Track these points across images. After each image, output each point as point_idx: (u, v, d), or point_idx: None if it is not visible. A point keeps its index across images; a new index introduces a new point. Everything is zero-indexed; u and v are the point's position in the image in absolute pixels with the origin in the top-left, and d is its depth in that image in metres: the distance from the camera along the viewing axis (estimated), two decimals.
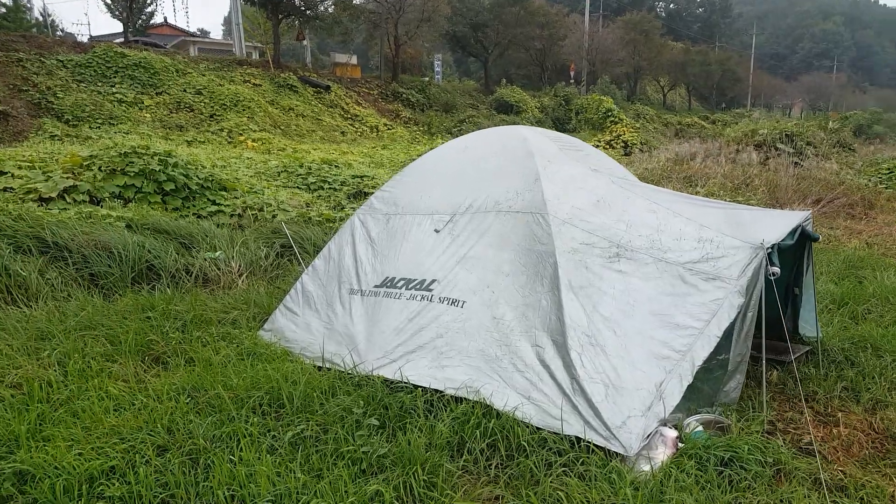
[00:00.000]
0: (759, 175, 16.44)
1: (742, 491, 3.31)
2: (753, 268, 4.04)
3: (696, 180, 16.26)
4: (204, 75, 26.62)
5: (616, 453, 3.50)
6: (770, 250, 4.09)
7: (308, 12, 34.02)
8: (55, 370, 4.48)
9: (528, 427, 3.73)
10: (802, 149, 20.02)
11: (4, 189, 8.42)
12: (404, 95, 35.18)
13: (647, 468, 3.45)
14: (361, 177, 13.54)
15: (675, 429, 3.77)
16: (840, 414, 4.26)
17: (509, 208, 4.81)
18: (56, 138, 18.02)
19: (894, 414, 4.26)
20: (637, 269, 4.26)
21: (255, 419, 3.86)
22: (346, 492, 3.20)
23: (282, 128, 25.31)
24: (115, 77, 23.96)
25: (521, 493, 3.30)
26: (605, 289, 4.20)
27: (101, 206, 8.48)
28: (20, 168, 9.34)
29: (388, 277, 5.09)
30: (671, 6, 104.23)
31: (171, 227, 7.94)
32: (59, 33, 44.33)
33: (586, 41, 50.70)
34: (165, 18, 53.21)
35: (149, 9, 40.90)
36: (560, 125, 36.84)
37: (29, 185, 8.51)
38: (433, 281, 4.80)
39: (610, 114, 36.63)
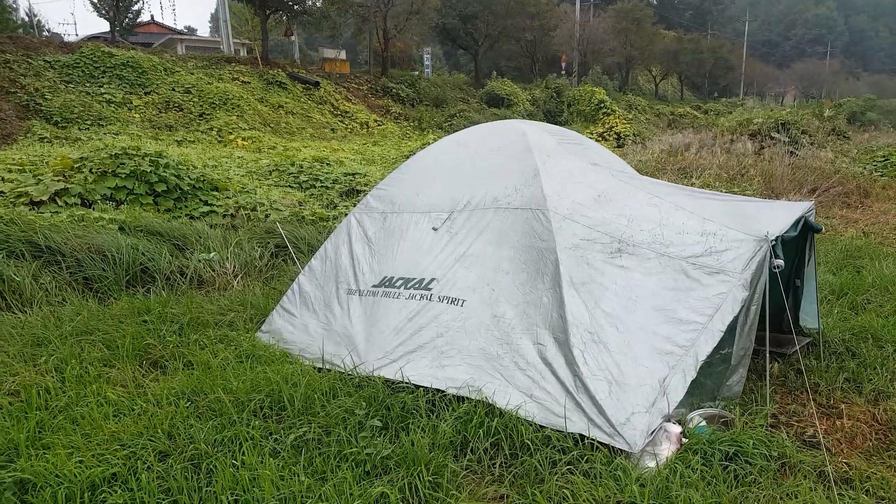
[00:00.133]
0: (755, 165, 16.44)
1: (748, 486, 3.29)
2: (757, 261, 4.02)
3: (690, 171, 16.25)
4: (192, 74, 26.44)
5: (620, 450, 3.49)
6: (774, 243, 4.07)
7: (296, 7, 33.83)
8: (53, 376, 4.43)
9: (531, 425, 3.71)
10: (797, 137, 20.03)
11: None
12: (394, 90, 35.03)
13: (651, 464, 3.43)
14: (353, 174, 13.48)
15: (679, 424, 3.76)
16: (843, 406, 4.26)
17: (508, 205, 4.78)
18: (45, 140, 17.84)
19: None
20: (639, 264, 4.24)
21: (257, 422, 3.83)
22: (350, 494, 3.17)
23: (271, 126, 25.17)
24: (102, 77, 23.75)
25: (526, 491, 3.28)
26: (606, 284, 4.17)
27: (93, 209, 8.41)
28: (10, 171, 9.28)
29: (386, 277, 5.05)
30: None
31: (164, 229, 7.88)
32: (45, 33, 43.95)
33: (577, 31, 50.56)
34: (152, 16, 52.94)
35: (135, 7, 40.52)
36: (552, 118, 36.74)
37: (19, 189, 8.43)
38: (432, 280, 4.77)
39: (602, 105, 36.51)
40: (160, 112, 23.27)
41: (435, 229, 5.06)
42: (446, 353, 4.37)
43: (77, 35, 44.78)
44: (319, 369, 4.66)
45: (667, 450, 3.52)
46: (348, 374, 4.50)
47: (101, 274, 6.67)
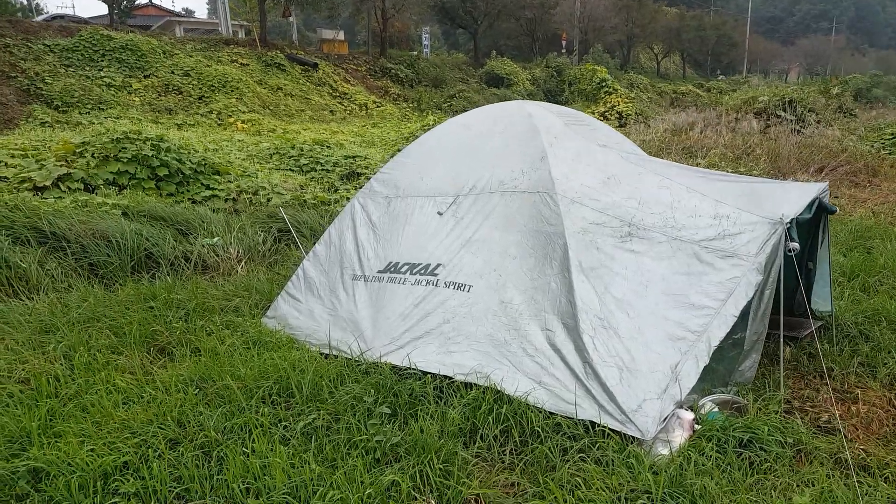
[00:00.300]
0: (761, 144, 16.30)
1: (763, 473, 3.27)
2: (772, 244, 3.97)
3: (695, 151, 16.13)
4: (191, 56, 26.27)
5: (633, 437, 3.46)
6: (789, 225, 4.01)
7: None
8: (61, 364, 4.41)
9: (540, 412, 3.69)
10: (803, 116, 19.85)
11: None
12: (393, 71, 34.77)
13: (665, 452, 3.41)
14: (354, 157, 13.42)
15: (691, 410, 3.74)
16: (858, 391, 4.23)
17: (515, 188, 4.72)
18: (47, 125, 17.79)
19: None
20: (650, 249, 4.18)
21: (266, 409, 3.81)
22: (361, 482, 3.16)
23: (271, 108, 25.04)
24: (102, 61, 23.64)
25: (537, 479, 3.26)
26: (616, 269, 4.13)
27: (96, 194, 8.37)
28: (13, 157, 9.21)
29: (391, 262, 5.01)
30: None
31: (167, 214, 7.84)
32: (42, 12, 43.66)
33: (578, 8, 50.01)
34: None
35: None
36: (552, 97, 36.49)
37: (23, 175, 8.38)
38: (438, 265, 4.72)
39: (604, 84, 36.23)
40: (160, 95, 23.16)
41: (440, 214, 5.01)
42: (453, 340, 4.34)
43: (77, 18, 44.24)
44: (326, 355, 4.64)
45: (680, 437, 3.50)
46: (355, 361, 4.47)
47: (106, 260, 6.64)
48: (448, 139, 5.65)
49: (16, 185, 8.17)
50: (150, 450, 3.42)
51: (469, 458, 3.41)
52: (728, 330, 3.83)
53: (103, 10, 33.79)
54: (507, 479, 3.31)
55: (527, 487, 3.23)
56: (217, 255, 7.22)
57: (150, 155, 9.10)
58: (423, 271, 4.73)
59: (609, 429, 3.51)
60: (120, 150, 9.07)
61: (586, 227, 4.32)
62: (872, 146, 17.38)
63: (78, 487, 3.11)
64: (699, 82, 54.40)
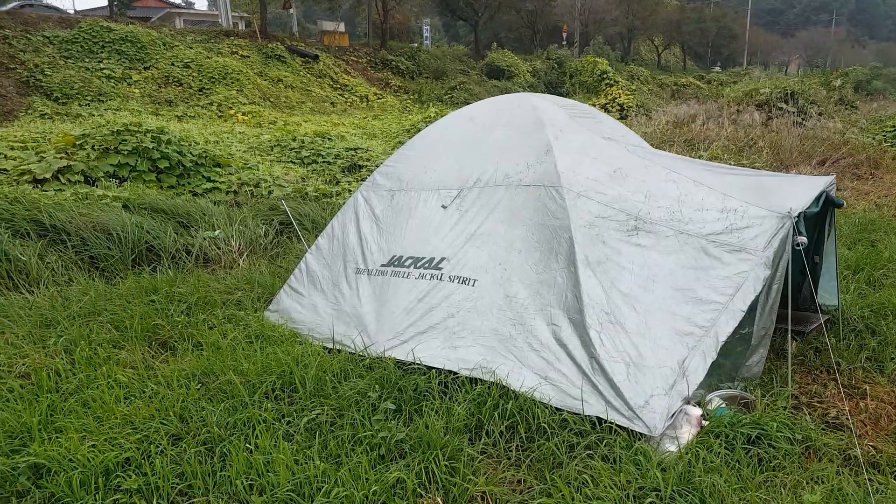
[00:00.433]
0: (763, 136, 16.23)
1: (772, 470, 3.23)
2: (780, 238, 3.92)
3: (697, 143, 16.06)
4: (191, 48, 26.14)
5: (640, 434, 3.42)
6: (796, 219, 3.97)
7: None
8: (62, 358, 4.38)
9: (547, 408, 3.65)
10: (805, 108, 19.78)
11: None
12: (393, 63, 34.62)
13: (672, 448, 3.37)
14: (355, 149, 13.36)
15: (698, 406, 3.70)
16: (866, 386, 4.19)
17: (520, 181, 4.67)
18: (46, 117, 17.70)
19: None
20: (657, 243, 4.14)
21: (269, 405, 3.77)
22: (366, 479, 3.12)
23: (271, 100, 24.93)
24: (102, 52, 23.50)
25: (544, 476, 3.22)
26: (623, 264, 4.08)
27: (97, 186, 8.32)
28: (12, 149, 9.17)
29: (394, 256, 4.96)
30: None
31: (167, 207, 7.80)
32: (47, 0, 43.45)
33: (578, 0, 49.85)
34: None
35: None
36: (553, 89, 36.35)
37: (22, 167, 8.34)
38: (442, 259, 4.68)
39: (605, 76, 36.10)
40: (160, 87, 23.04)
41: (444, 207, 4.96)
42: (458, 334, 4.30)
43: (76, 10, 44.18)
44: (329, 350, 4.60)
45: (687, 433, 3.46)
46: (359, 355, 4.43)
47: (107, 253, 6.60)
48: (452, 132, 5.59)
49: (15, 178, 8.13)
50: (152, 445, 3.38)
51: (475, 454, 3.38)
52: (736, 325, 3.78)
53: (103, 1, 33.59)
54: (513, 476, 3.27)
55: (533, 485, 3.20)
56: (218, 248, 7.18)
57: (150, 147, 9.05)
58: (427, 265, 4.69)
59: (616, 425, 3.47)
60: (120, 143, 9.02)
61: (592, 220, 4.28)
62: (874, 138, 17.31)
63: (79, 484, 3.07)
64: (700, 74, 54.19)
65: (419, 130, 12.04)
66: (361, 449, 3.36)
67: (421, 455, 3.28)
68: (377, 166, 6.03)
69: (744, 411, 3.75)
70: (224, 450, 3.36)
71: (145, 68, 23.86)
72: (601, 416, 3.54)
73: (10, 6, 31.38)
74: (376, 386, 3.94)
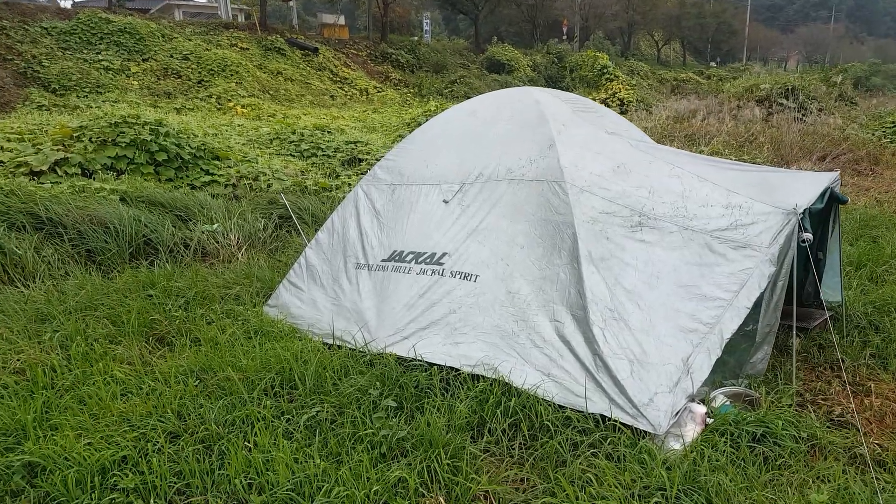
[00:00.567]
0: (763, 132, 16.19)
1: (778, 469, 3.19)
2: (786, 234, 3.87)
3: (698, 139, 16.02)
4: (190, 40, 26.01)
5: (644, 432, 3.38)
6: (802, 215, 3.92)
7: None
8: (58, 354, 4.32)
9: (550, 405, 3.60)
10: (805, 104, 19.72)
11: None
12: (393, 56, 34.51)
13: (677, 446, 3.33)
14: (355, 142, 13.29)
15: (702, 403, 3.66)
16: (871, 383, 4.15)
17: (522, 176, 4.62)
18: (44, 108, 17.60)
19: None
20: (661, 239, 4.09)
21: (268, 402, 3.73)
22: (367, 478, 3.07)
23: (270, 93, 24.83)
24: (100, 44, 23.40)
25: (548, 475, 3.18)
26: (627, 260, 4.03)
27: (94, 179, 8.26)
28: (9, 141, 9.10)
29: (395, 251, 4.91)
30: None
31: (165, 200, 7.73)
32: (42, 0, 43.29)
33: None
34: None
35: None
36: (553, 83, 36.21)
37: (19, 159, 8.27)
38: (444, 254, 4.63)
39: (605, 71, 35.94)
40: (158, 79, 22.95)
41: (446, 202, 4.90)
42: (460, 330, 4.25)
43: (74, 1, 43.96)
44: (329, 346, 4.55)
45: (692, 431, 3.42)
46: (359, 352, 4.39)
47: (104, 246, 6.54)
48: (453, 126, 5.53)
49: (12, 170, 8.07)
50: (149, 443, 3.34)
51: (477, 452, 3.33)
52: (741, 322, 3.74)
53: None
54: (516, 474, 3.23)
55: (537, 483, 3.15)
56: (217, 242, 7.12)
57: (148, 139, 8.99)
58: (428, 260, 4.64)
59: (620, 423, 3.43)
60: (118, 135, 8.95)
61: (596, 216, 4.22)
62: (873, 134, 17.26)
63: (75, 482, 3.02)
64: (699, 70, 54.08)
65: (419, 124, 11.96)
66: (362, 447, 3.31)
67: (423, 453, 3.24)
68: (377, 160, 5.98)
69: (748, 409, 3.71)
70: (223, 448, 3.32)
71: (144, 60, 23.75)
72: (605, 413, 3.50)
73: None
74: (377, 383, 3.89)
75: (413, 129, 7.14)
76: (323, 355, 4.25)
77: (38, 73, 20.23)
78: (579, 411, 3.55)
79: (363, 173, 9.24)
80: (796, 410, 3.73)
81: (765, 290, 3.82)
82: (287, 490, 3.01)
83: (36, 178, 8.02)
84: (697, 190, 4.31)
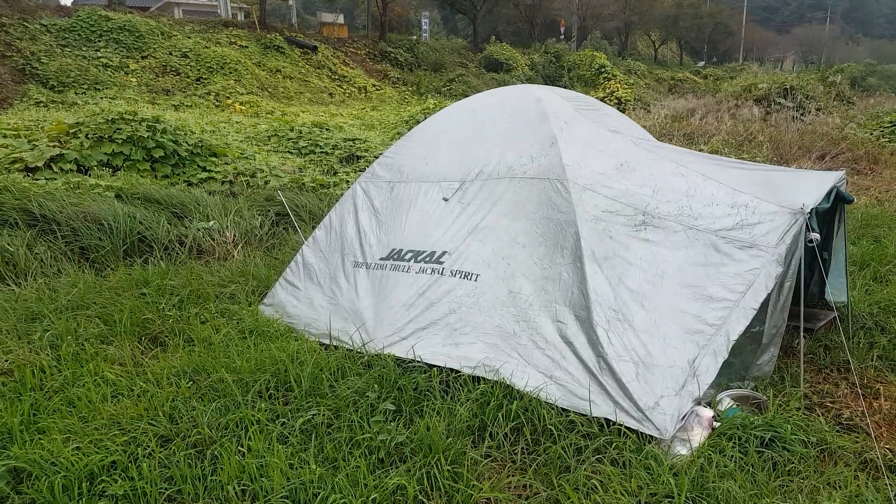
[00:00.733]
0: (762, 131, 16.13)
1: (788, 475, 3.10)
2: (793, 234, 3.78)
3: (697, 137, 15.93)
4: (189, 38, 25.90)
5: (650, 436, 3.29)
6: (809, 215, 3.83)
7: None
8: (47, 354, 4.22)
9: (553, 409, 3.51)
10: (803, 103, 19.68)
11: None
12: (392, 55, 34.42)
13: (684, 451, 3.24)
14: (353, 140, 13.19)
15: (709, 406, 3.57)
16: (879, 385, 4.06)
17: (524, 174, 4.52)
18: (41, 105, 17.49)
19: None
20: (665, 238, 3.99)
21: (263, 405, 3.62)
22: (365, 485, 2.98)
23: (269, 90, 24.72)
24: (99, 41, 23.32)
25: (551, 481, 3.09)
26: (631, 259, 3.94)
27: (90, 175, 8.15)
28: (5, 137, 8.99)
29: (394, 249, 4.81)
30: None
31: (161, 197, 7.63)
32: None
33: None
34: None
35: None
36: (551, 82, 36.08)
37: (14, 155, 8.15)
38: (443, 253, 4.53)
39: (603, 70, 35.95)
40: (157, 76, 22.85)
41: (446, 199, 4.81)
42: (460, 331, 4.16)
43: None
44: (326, 346, 4.45)
45: (699, 435, 3.33)
46: (357, 352, 4.28)
47: (98, 244, 6.44)
48: (453, 123, 5.44)
49: (6, 166, 7.95)
50: (139, 448, 3.23)
51: (479, 458, 3.23)
52: (747, 323, 3.65)
53: None
54: (519, 480, 3.13)
55: (540, 490, 3.06)
56: (213, 240, 7.03)
57: (145, 136, 8.89)
58: (427, 259, 4.54)
59: (625, 427, 3.34)
60: (115, 131, 8.85)
61: (599, 215, 4.13)
62: (871, 134, 17.21)
63: (62, 489, 2.93)
64: (696, 69, 54.07)
65: (418, 122, 11.83)
66: (360, 452, 3.21)
67: (422, 459, 3.14)
68: (376, 157, 5.88)
69: (755, 412, 3.62)
70: (215, 452, 3.21)
71: (143, 57, 23.66)
72: (610, 417, 3.40)
73: None
74: (375, 385, 3.79)
75: (411, 127, 7.05)
76: (319, 356, 4.15)
77: (36, 70, 20.13)
78: (583, 415, 3.46)
79: (361, 170, 9.14)
80: (804, 414, 3.64)
81: (772, 291, 3.73)
82: (281, 497, 2.91)
83: (31, 175, 7.91)
84: (702, 189, 4.22)
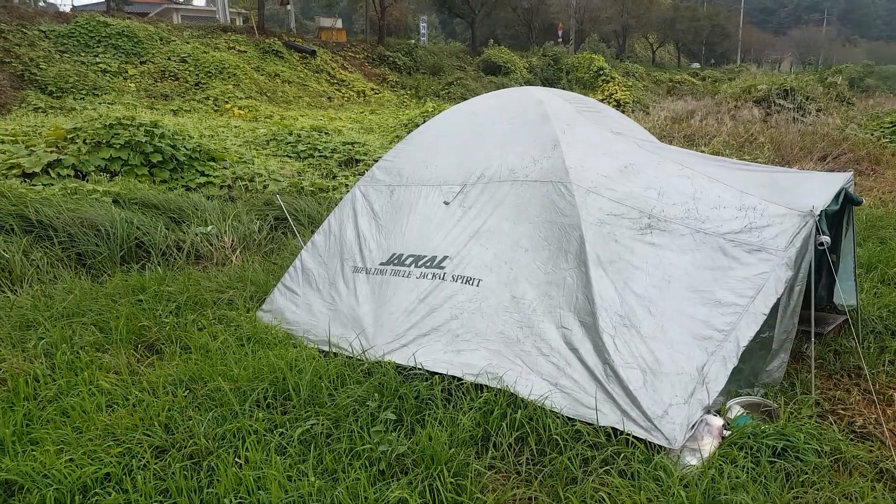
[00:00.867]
0: (763, 132, 16.06)
1: (801, 486, 3.00)
2: (803, 237, 3.70)
3: (697, 139, 15.87)
4: (188, 43, 25.89)
5: (659, 446, 3.20)
6: (819, 217, 3.75)
7: None
8: (42, 363, 4.13)
9: (558, 418, 3.42)
10: (803, 104, 19.62)
11: None
12: (391, 59, 34.43)
13: (694, 461, 3.15)
14: (352, 143, 13.12)
15: (718, 414, 3.48)
16: (893, 392, 3.97)
17: (526, 177, 4.44)
18: (40, 110, 17.48)
19: None
20: (672, 242, 3.91)
21: (260, 414, 3.53)
22: (365, 498, 2.89)
23: (268, 94, 24.69)
24: (98, 47, 23.32)
25: (558, 494, 3.00)
26: (636, 263, 3.85)
27: (87, 181, 8.08)
28: (2, 142, 8.93)
29: (394, 254, 4.73)
30: None
31: (159, 202, 7.55)
32: (41, 4, 43.15)
33: None
34: None
35: None
36: (550, 85, 36.01)
37: (11, 160, 8.08)
38: (445, 258, 4.45)
39: (602, 72, 35.96)
40: (156, 81, 22.82)
41: (447, 203, 4.72)
42: (462, 337, 4.07)
43: (73, 5, 43.87)
44: (325, 353, 4.36)
45: (709, 445, 3.24)
46: (356, 360, 4.19)
47: (95, 249, 6.36)
48: (453, 126, 5.36)
49: (3, 172, 7.88)
50: (134, 459, 3.14)
51: (482, 469, 3.14)
52: (757, 329, 3.56)
53: None
54: (524, 493, 3.04)
55: (546, 503, 2.96)
56: (211, 245, 6.95)
57: (143, 141, 8.83)
58: (428, 264, 4.45)
59: (633, 436, 3.24)
60: (112, 136, 8.79)
61: (603, 218, 4.04)
62: (872, 134, 17.15)
63: (54, 502, 2.84)
64: (694, 71, 54.10)
65: (417, 125, 11.74)
66: (360, 464, 3.12)
67: (424, 471, 3.05)
68: (375, 161, 5.80)
69: (766, 420, 3.53)
70: (212, 464, 3.12)
71: (142, 63, 23.65)
72: (617, 426, 3.31)
73: None
74: (375, 394, 3.70)
75: (411, 130, 6.97)
76: (318, 364, 4.06)
77: (35, 76, 20.11)
78: (589, 424, 3.37)
79: (360, 174, 9.07)
80: (816, 422, 3.55)
81: (781, 295, 3.65)
82: None
83: (28, 180, 7.84)
84: (708, 191, 4.14)
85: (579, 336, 3.70)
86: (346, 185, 9.86)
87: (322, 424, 3.45)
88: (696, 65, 63.26)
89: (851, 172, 4.69)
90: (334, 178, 10.94)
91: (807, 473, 3.07)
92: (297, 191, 9.37)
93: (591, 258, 3.86)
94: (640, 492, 2.90)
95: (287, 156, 12.39)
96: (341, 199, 5.58)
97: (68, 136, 8.87)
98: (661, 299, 3.71)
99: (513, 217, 4.36)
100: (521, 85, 31.52)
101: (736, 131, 16.56)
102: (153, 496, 2.93)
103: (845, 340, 4.64)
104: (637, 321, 3.64)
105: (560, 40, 48.48)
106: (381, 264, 4.74)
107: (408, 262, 4.61)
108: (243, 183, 9.33)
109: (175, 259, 6.64)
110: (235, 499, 2.91)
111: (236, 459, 3.16)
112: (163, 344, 4.56)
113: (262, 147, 12.78)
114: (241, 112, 20.46)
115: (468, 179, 4.73)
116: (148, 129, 9.02)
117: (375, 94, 29.76)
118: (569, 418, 3.42)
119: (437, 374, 3.87)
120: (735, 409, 3.60)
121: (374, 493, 2.90)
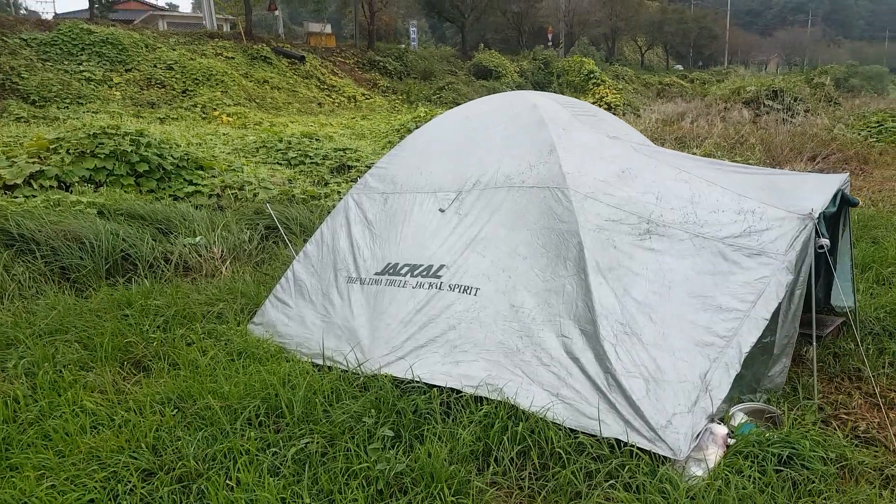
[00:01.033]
0: (753, 133, 16.08)
1: (809, 495, 2.92)
2: (802, 240, 3.64)
3: (688, 141, 15.85)
4: (174, 49, 25.69)
5: (664, 457, 3.11)
6: (818, 220, 3.68)
7: None
8: (22, 383, 3.99)
9: (560, 430, 3.32)
10: (791, 105, 19.68)
11: None
12: (381, 64, 34.36)
13: (699, 472, 3.07)
14: (344, 150, 12.99)
15: (722, 422, 3.40)
16: (894, 395, 3.90)
17: (522, 183, 4.35)
18: (22, 120, 17.23)
19: None
20: (671, 247, 3.83)
21: (252, 433, 3.41)
22: None
23: (257, 101, 24.53)
24: (81, 55, 23.06)
25: None
26: (636, 269, 3.77)
27: (71, 192, 7.92)
28: None
29: (389, 264, 4.62)
30: None
31: (146, 212, 7.41)
32: (22, 12, 42.88)
33: (563, 2, 49.95)
34: None
35: None
36: (541, 88, 36.09)
37: None
38: (441, 266, 4.35)
39: (592, 75, 36.06)
40: (142, 89, 22.61)
41: (442, 211, 4.63)
42: (460, 348, 3.97)
43: (56, 13, 43.61)
44: (319, 367, 4.25)
45: (714, 454, 3.16)
46: (352, 373, 4.09)
47: (79, 263, 6.21)
48: (447, 132, 5.26)
49: None
50: (120, 484, 3.02)
51: (483, 486, 3.04)
52: (759, 334, 3.49)
53: (84, 4, 33.01)
54: None
55: None
56: (199, 256, 6.81)
57: (129, 150, 8.67)
58: (424, 273, 4.35)
59: (637, 448, 3.15)
60: (97, 146, 8.63)
61: (602, 224, 3.96)
62: (859, 134, 17.22)
63: None
64: (683, 73, 54.37)
65: (409, 130, 11.65)
66: (357, 483, 3.01)
67: (424, 489, 2.95)
68: (367, 167, 5.70)
69: (770, 427, 3.45)
70: (202, 487, 3.00)
71: (127, 70, 23.43)
72: (620, 437, 3.22)
73: None
74: (372, 409, 3.59)
75: (403, 136, 6.89)
76: (312, 378, 3.95)
77: (16, 85, 19.84)
78: (592, 435, 3.28)
79: (353, 181, 8.97)
80: (820, 427, 3.47)
81: (783, 299, 3.57)
82: None
83: (9, 193, 7.68)
84: (707, 195, 4.06)
85: (580, 345, 3.62)
86: (339, 192, 9.75)
87: (317, 443, 3.34)
88: (679, 67, 63.72)
89: (847, 174, 4.63)
90: (326, 184, 10.83)
91: (814, 482, 3.00)
92: (288, 199, 9.25)
93: (590, 265, 3.77)
94: None
95: (277, 163, 12.26)
96: (334, 206, 5.48)
97: (51, 147, 8.71)
98: (662, 306, 3.63)
99: (510, 224, 4.27)
100: (512, 89, 31.58)
101: (726, 133, 16.57)
102: None
103: (844, 343, 4.58)
104: (638, 328, 3.56)
105: (550, 44, 48.66)
106: (376, 274, 4.64)
107: (403, 271, 4.51)
108: (232, 192, 9.19)
109: (163, 271, 6.50)
110: None
111: (227, 481, 3.04)
112: (150, 360, 4.43)
113: (251, 154, 12.64)
114: (230, 119, 20.30)
115: (464, 186, 4.64)
116: (133, 137, 8.87)
117: (366, 99, 29.67)
118: (571, 430, 3.33)
119: (435, 386, 3.77)
120: (738, 417, 3.53)
121: None
